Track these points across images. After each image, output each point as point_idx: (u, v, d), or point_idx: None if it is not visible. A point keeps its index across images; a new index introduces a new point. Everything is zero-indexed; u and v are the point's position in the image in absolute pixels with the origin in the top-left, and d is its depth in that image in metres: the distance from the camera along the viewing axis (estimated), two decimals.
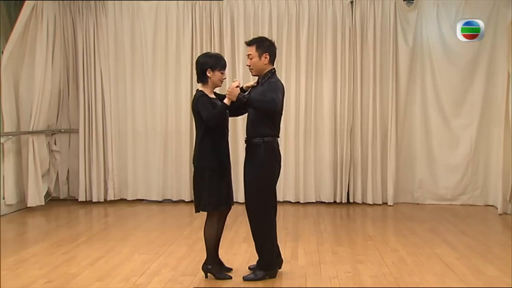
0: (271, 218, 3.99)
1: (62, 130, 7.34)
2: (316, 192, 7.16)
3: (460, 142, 7.09)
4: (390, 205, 7.04)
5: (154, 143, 7.30)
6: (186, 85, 7.17)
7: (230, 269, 4.17)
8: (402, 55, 7.06)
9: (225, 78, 4.05)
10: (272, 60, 3.99)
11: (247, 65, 4.04)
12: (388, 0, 6.99)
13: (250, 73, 4.08)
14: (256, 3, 7.12)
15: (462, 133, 7.07)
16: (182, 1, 7.17)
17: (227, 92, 3.81)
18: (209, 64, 3.91)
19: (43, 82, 6.75)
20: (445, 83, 7.04)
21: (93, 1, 7.17)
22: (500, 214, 6.50)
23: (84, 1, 7.15)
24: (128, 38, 7.26)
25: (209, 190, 3.87)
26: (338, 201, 7.12)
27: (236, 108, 3.92)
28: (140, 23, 7.25)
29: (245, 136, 4.05)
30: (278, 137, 4.03)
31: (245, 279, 4.01)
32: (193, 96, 4.04)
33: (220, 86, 4.07)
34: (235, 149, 6.82)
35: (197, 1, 7.15)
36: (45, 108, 6.87)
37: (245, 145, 4.07)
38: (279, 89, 3.88)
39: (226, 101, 3.83)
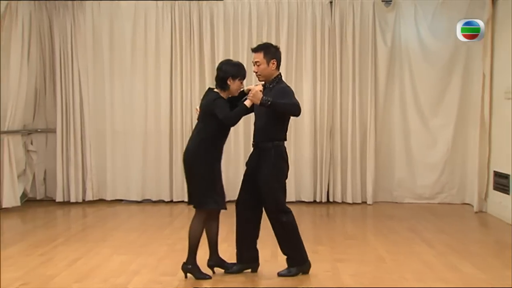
0: (289, 214, 4.07)
1: (39, 130, 7.22)
2: (296, 192, 7.18)
3: (437, 141, 7.18)
4: (369, 204, 7.09)
5: (134, 143, 7.23)
6: (166, 85, 7.13)
7: (234, 264, 4.18)
8: (381, 55, 7.12)
9: (242, 89, 4.06)
10: (278, 66, 4.05)
11: (254, 72, 4.06)
12: (367, 1, 7.05)
13: (258, 79, 4.11)
14: (236, 3, 7.11)
15: (439, 133, 7.16)
16: (161, 0, 7.12)
17: (250, 95, 3.84)
18: (231, 73, 3.94)
19: (19, 81, 6.64)
20: (423, 83, 7.13)
21: (70, 0, 7.06)
22: (476, 212, 6.61)
23: (61, 0, 7.04)
24: (107, 37, 7.17)
25: (205, 189, 3.91)
26: (318, 200, 7.14)
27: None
28: (119, 22, 7.16)
29: (253, 140, 4.11)
30: (286, 140, 4.12)
31: (280, 274, 4.07)
32: (205, 94, 4.05)
33: (236, 95, 4.05)
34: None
35: (177, 1, 7.11)
36: (21, 107, 6.75)
37: (252, 149, 4.14)
38: (293, 94, 4.00)
39: (247, 103, 3.88)
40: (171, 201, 7.10)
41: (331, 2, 7.07)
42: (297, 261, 4.10)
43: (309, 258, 4.16)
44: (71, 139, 7.09)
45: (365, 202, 7.14)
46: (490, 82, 6.55)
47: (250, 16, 7.11)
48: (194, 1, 7.10)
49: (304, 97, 7.11)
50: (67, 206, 7.01)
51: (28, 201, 7.12)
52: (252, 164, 4.09)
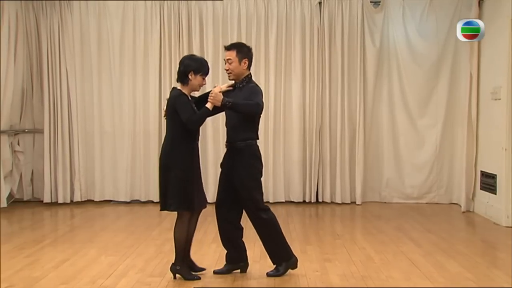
0: (268, 212, 4.08)
1: (26, 130, 7.16)
2: (285, 192, 7.19)
3: (425, 142, 7.23)
4: (358, 204, 7.12)
5: (122, 143, 7.19)
6: (155, 85, 7.10)
7: (203, 269, 4.15)
8: (369, 55, 7.15)
9: (204, 84, 4.05)
10: (249, 66, 4.07)
11: (226, 69, 4.06)
12: (355, 1, 7.08)
13: (228, 77, 4.11)
14: (225, 3, 7.10)
15: (427, 133, 7.21)
16: (150, 0, 7.08)
17: (211, 98, 3.83)
18: (192, 67, 3.92)
19: (5, 80, 6.59)
20: (411, 83, 7.17)
21: (57, 0, 7.00)
22: (464, 212, 6.66)
23: (48, 0, 6.98)
24: (95, 36, 7.13)
25: (173, 190, 3.87)
26: (307, 200, 7.16)
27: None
28: (107, 21, 7.13)
29: (226, 141, 4.11)
30: (258, 139, 4.12)
31: (268, 275, 4.06)
32: (169, 94, 4.02)
33: (198, 91, 4.07)
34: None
35: (165, 0, 7.08)
36: (7, 108, 6.70)
37: (226, 149, 4.13)
38: (260, 93, 4.02)
39: (208, 105, 3.86)
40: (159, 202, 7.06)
41: (320, 3, 7.09)
42: (283, 257, 4.10)
43: (298, 258, 4.16)
44: (59, 139, 7.04)
45: (354, 202, 7.16)
46: (477, 83, 6.61)
47: (239, 16, 7.11)
48: (183, 1, 7.08)
49: (293, 98, 7.14)
50: (54, 207, 6.95)
51: (14, 202, 7.06)
52: (227, 165, 4.10)
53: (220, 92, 3.87)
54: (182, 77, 3.94)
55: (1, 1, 6.52)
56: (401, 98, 7.21)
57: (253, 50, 6.82)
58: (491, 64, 6.34)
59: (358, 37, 7.07)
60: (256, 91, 3.99)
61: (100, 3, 7.12)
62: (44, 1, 6.99)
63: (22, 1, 6.91)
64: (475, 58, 6.59)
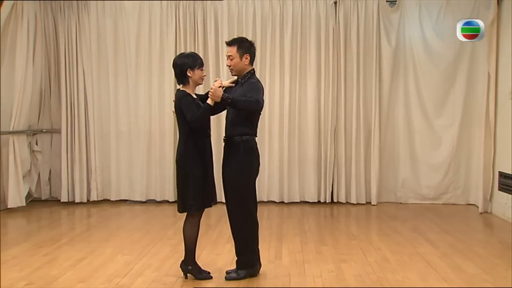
0: (253, 215, 4.01)
1: (44, 130, 7.26)
2: (300, 192, 7.18)
3: (442, 142, 7.16)
4: (373, 205, 7.08)
5: (138, 143, 7.26)
6: (170, 85, 7.14)
7: (208, 272, 4.14)
8: (385, 55, 7.11)
9: (205, 75, 4.07)
10: (252, 61, 4.03)
11: (228, 65, 4.05)
12: (371, 1, 7.04)
13: (230, 73, 4.10)
14: (240, 3, 7.12)
15: (444, 133, 7.14)
16: (166, 0, 7.14)
17: (210, 93, 3.82)
18: (188, 64, 3.91)
19: (24, 81, 6.68)
20: (427, 83, 7.11)
21: (75, 0, 7.09)
22: (481, 213, 6.58)
23: (65, 0, 7.08)
24: (111, 37, 7.21)
25: (194, 190, 3.87)
26: (322, 200, 7.14)
27: (214, 107, 3.91)
28: (123, 22, 7.20)
29: (224, 135, 4.08)
30: (256, 136, 4.06)
31: (227, 278, 4.02)
32: (175, 96, 4.02)
33: (201, 84, 4.08)
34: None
35: (181, 0, 7.12)
36: (26, 108, 6.79)
37: (223, 143, 4.09)
38: (260, 90, 3.94)
39: (209, 101, 3.84)
40: (176, 202, 7.08)
41: (335, 3, 7.07)
42: (247, 264, 4.02)
43: (314, 258, 4.15)
44: (76, 139, 7.13)
45: (369, 203, 7.13)
46: (495, 82, 6.53)
47: (255, 16, 7.12)
48: (198, 1, 7.12)
49: (308, 98, 7.13)
50: (71, 206, 7.04)
51: (33, 201, 7.15)
52: (224, 161, 4.05)
53: (220, 87, 3.83)
54: (182, 78, 3.94)
55: (22, 1, 6.61)
56: (417, 98, 7.15)
57: (268, 50, 7.06)
58: (509, 64, 6.25)
59: (374, 37, 7.04)
60: (255, 88, 3.91)
61: (116, 3, 7.19)
62: (62, 1, 7.08)
63: (41, 1, 7.01)
64: (493, 57, 6.51)
